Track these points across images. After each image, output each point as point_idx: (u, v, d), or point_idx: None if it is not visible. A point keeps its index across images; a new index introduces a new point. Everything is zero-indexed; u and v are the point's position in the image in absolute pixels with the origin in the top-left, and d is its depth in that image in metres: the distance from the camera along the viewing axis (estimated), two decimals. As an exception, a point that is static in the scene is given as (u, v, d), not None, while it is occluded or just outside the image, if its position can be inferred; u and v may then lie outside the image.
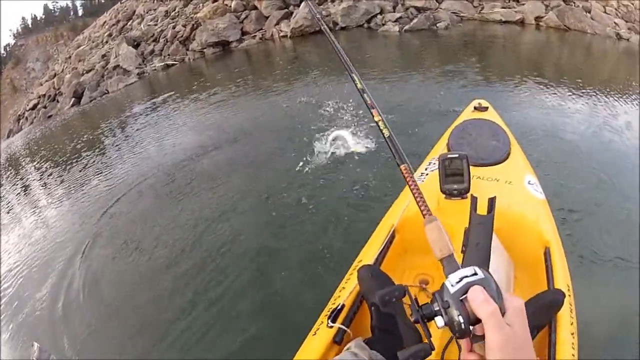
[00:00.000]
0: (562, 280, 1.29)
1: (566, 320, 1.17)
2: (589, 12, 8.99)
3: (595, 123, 3.99)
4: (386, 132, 1.12)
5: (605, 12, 9.11)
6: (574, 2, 9.25)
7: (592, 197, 2.77)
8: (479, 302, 0.54)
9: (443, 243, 0.72)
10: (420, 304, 0.63)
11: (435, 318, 0.60)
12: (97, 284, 3.15)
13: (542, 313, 1.18)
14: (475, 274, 0.59)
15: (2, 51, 60.02)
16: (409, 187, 0.94)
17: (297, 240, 2.87)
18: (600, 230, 2.43)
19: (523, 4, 9.53)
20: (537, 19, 9.10)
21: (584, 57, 7.59)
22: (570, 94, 4.77)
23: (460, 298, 0.57)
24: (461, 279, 0.59)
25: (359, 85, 1.26)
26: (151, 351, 2.33)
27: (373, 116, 1.17)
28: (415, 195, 0.90)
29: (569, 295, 1.26)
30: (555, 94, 4.79)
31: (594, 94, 4.77)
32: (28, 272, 3.73)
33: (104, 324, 2.69)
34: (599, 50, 7.91)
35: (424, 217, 0.83)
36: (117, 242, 3.64)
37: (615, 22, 8.78)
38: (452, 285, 0.59)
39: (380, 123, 1.14)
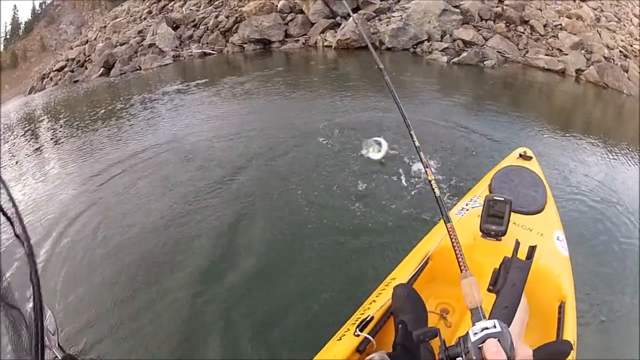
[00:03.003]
0: (571, 334, 1.43)
1: None
2: (627, 71, 9.23)
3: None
4: (437, 192, 1.35)
5: (640, 73, 9.33)
6: (613, 60, 9.50)
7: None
8: (492, 352, 0.74)
9: (473, 297, 0.95)
10: (447, 346, 0.86)
11: (457, 359, 0.81)
12: (86, 255, 3.33)
13: None
14: (495, 327, 0.79)
15: (38, 8, 62.76)
16: (452, 243, 1.18)
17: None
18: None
19: (566, 55, 9.81)
20: (578, 71, 9.37)
21: (614, 115, 7.77)
22: (605, 154, 5.01)
23: (479, 346, 0.77)
24: (482, 330, 0.79)
25: (416, 143, 1.51)
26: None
27: (427, 175, 1.40)
28: (457, 251, 1.13)
29: (573, 350, 1.43)
30: (590, 151, 5.01)
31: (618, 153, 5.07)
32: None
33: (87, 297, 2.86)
34: (630, 111, 8.06)
35: (461, 271, 1.06)
36: (111, 215, 3.86)
37: (649, 85, 8.95)
38: (474, 334, 0.79)
39: (433, 182, 1.37)
